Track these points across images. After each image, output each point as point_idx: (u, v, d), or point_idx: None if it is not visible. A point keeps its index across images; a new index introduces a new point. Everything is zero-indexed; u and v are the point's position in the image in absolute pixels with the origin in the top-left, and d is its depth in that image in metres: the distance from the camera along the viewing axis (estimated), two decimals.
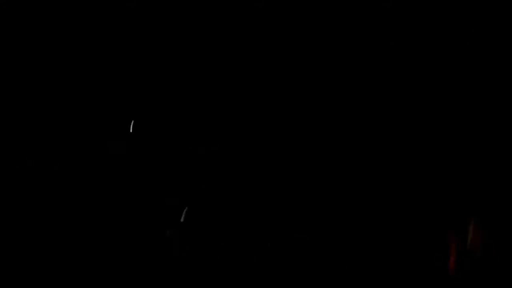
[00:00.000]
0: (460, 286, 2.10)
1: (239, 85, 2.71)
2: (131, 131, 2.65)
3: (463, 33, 2.61)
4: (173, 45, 2.72)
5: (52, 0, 2.66)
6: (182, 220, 2.49)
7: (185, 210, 2.50)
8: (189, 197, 2.60)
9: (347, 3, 2.65)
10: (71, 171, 2.59)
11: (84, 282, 2.42)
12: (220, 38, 2.71)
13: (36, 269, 2.43)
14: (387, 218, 2.42)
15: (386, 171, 2.50)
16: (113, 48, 2.70)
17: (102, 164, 2.62)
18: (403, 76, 2.65)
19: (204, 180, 2.63)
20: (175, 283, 2.44)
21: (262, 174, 2.63)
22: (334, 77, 2.68)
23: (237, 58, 2.71)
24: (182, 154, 2.67)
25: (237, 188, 2.61)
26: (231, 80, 2.71)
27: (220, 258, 2.47)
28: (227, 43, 2.71)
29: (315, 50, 2.69)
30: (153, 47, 2.71)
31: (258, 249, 2.47)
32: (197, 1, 2.70)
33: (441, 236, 2.24)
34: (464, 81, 2.61)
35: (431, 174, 2.47)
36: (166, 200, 2.59)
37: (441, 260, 2.20)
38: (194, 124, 2.70)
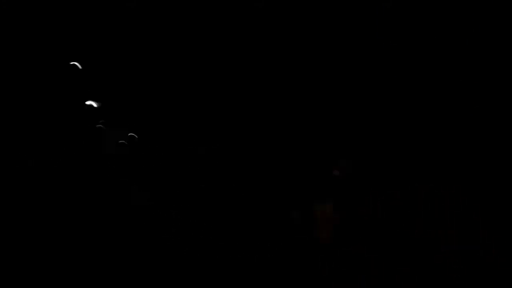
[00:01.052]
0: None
1: (239, 85, 2.72)
2: (131, 132, 2.66)
3: (463, 33, 2.61)
4: (173, 45, 2.72)
5: (53, 0, 2.66)
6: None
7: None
8: (189, 197, 2.60)
9: (348, 3, 2.65)
10: (71, 171, 2.59)
11: (83, 280, 2.42)
12: (220, 38, 2.71)
13: (36, 268, 2.43)
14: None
15: None
16: (113, 48, 2.70)
17: (101, 164, 2.63)
18: (402, 75, 2.65)
19: (204, 180, 2.63)
20: (175, 283, 2.44)
21: (261, 174, 2.63)
22: (334, 77, 2.68)
23: (237, 58, 2.71)
24: (182, 154, 2.67)
25: (236, 188, 2.61)
26: (231, 80, 2.72)
27: (220, 257, 2.47)
28: (227, 44, 2.71)
29: (314, 50, 2.69)
30: (153, 47, 2.71)
31: (258, 249, 2.48)
32: (197, 1, 2.70)
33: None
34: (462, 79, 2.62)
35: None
36: (166, 200, 2.60)
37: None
38: (194, 124, 2.70)
